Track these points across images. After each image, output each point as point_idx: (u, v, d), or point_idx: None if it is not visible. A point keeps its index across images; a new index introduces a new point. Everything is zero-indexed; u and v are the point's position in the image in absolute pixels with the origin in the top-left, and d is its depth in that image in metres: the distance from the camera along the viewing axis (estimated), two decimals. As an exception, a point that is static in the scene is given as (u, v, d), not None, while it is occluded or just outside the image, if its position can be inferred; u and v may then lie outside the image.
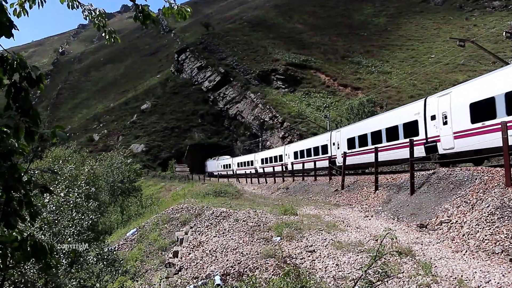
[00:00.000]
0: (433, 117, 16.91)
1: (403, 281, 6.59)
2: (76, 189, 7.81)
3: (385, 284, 6.00)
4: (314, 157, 30.48)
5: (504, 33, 29.42)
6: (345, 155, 21.43)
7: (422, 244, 8.86)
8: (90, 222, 6.77)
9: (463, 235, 8.74)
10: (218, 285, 7.33)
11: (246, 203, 16.15)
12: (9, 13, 2.48)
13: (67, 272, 5.91)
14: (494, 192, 9.51)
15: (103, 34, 3.73)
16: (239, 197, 19.99)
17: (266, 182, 34.06)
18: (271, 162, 43.39)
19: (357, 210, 14.50)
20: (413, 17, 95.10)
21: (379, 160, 17.48)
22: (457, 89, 16.14)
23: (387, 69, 71.44)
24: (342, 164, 21.08)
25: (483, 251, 7.80)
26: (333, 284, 6.77)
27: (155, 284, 8.70)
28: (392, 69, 70.79)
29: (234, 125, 77.50)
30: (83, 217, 6.74)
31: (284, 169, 37.06)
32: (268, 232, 10.25)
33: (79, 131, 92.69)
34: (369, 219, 12.49)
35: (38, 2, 3.31)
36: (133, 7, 3.45)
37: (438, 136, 16.46)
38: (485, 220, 8.67)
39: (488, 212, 8.83)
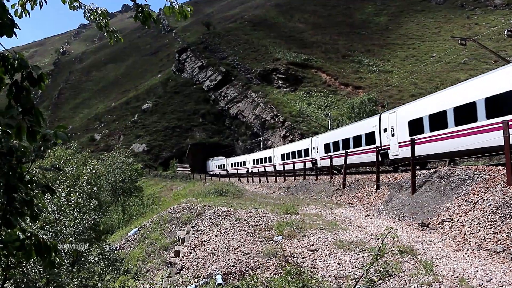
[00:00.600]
0: (385, 130, 21.04)
1: (405, 280, 6.59)
2: (78, 188, 7.81)
3: (386, 283, 6.01)
4: (298, 159, 34.52)
5: (505, 31, 29.36)
6: (330, 157, 25.16)
7: (423, 243, 8.85)
8: (92, 222, 6.77)
9: (465, 234, 8.73)
10: (220, 284, 7.33)
11: (247, 202, 16.17)
12: (11, 13, 2.48)
13: (69, 271, 5.92)
14: (496, 191, 9.50)
15: (105, 34, 3.74)
16: (240, 196, 20.01)
17: (267, 181, 34.08)
18: (261, 163, 46.52)
19: (359, 209, 14.50)
20: (414, 16, 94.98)
21: (348, 162, 20.85)
22: (401, 108, 20.55)
23: (388, 68, 71.36)
24: (321, 165, 28.82)
25: (485, 250, 7.79)
26: (335, 283, 6.78)
27: (156, 284, 8.72)
28: (393, 68, 70.71)
29: (235, 124, 77.50)
30: (84, 216, 6.73)
31: (274, 170, 38.56)
32: (269, 231, 10.25)
33: (80, 131, 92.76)
34: (371, 218, 12.48)
35: (39, 2, 3.32)
36: (134, 6, 3.45)
37: (388, 145, 20.50)
38: (487, 219, 8.66)
39: (489, 211, 8.83)
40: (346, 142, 25.48)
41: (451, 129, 15.73)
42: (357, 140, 24.21)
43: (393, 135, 20.19)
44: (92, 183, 15.75)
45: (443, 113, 16.40)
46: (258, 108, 69.37)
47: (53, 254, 2.60)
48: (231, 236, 10.16)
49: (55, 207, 6.59)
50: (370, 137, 22.64)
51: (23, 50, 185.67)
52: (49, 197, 6.45)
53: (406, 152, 17.56)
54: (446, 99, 16.54)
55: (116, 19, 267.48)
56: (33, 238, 2.48)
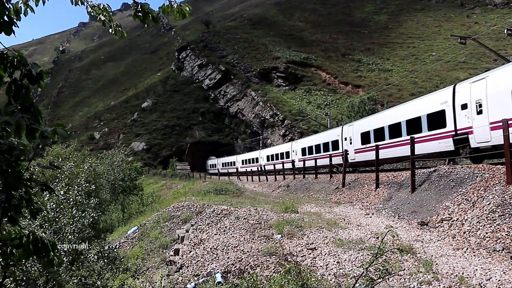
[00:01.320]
0: (345, 139, 26.02)
1: (404, 279, 6.59)
2: (76, 186, 7.80)
3: (386, 281, 6.01)
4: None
5: (505, 30, 29.36)
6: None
7: (423, 242, 8.86)
8: (91, 220, 6.76)
9: (464, 233, 8.73)
10: (219, 282, 7.33)
11: (247, 201, 16.17)
12: (10, 9, 2.47)
13: (68, 269, 5.91)
14: (495, 190, 9.50)
15: (110, 30, 3.72)
16: (240, 195, 20.01)
17: (267, 180, 34.08)
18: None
19: (358, 207, 14.50)
20: (414, 14, 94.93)
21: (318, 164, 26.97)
22: (357, 122, 25.85)
23: (388, 67, 71.33)
24: (301, 166, 31.44)
25: (484, 249, 7.80)
26: (334, 281, 6.78)
27: (156, 282, 8.71)
28: (393, 67, 70.69)
29: (234, 123, 77.48)
30: (83, 214, 6.73)
31: (259, 170, 40.11)
32: (269, 229, 10.25)
33: (80, 129, 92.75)
34: (370, 217, 12.48)
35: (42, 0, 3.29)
36: (133, 5, 3.44)
37: (347, 150, 24.48)
38: (486, 217, 8.66)
39: (489, 210, 8.83)
40: (317, 147, 30.86)
41: (387, 141, 20.27)
42: (325, 146, 29.65)
43: (350, 143, 25.07)
44: (91, 181, 15.74)
45: (382, 129, 21.07)
46: (257, 106, 69.34)
47: (52, 253, 2.59)
48: (231, 234, 10.16)
49: (54, 205, 6.58)
50: (335, 144, 27.84)
51: (22, 49, 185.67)
52: (48, 195, 6.45)
53: (360, 157, 23.56)
54: (385, 118, 21.18)
55: (115, 18, 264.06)
56: (31, 237, 2.47)
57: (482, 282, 6.25)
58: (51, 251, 2.58)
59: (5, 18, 2.40)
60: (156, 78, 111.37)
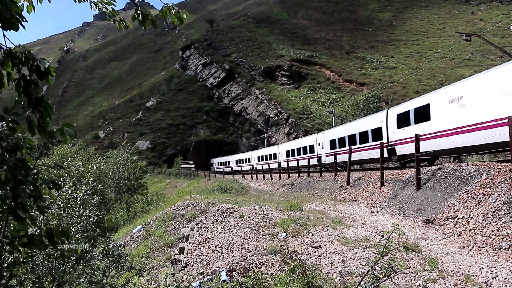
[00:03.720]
0: (319, 144, 32.26)
1: (410, 277, 6.57)
2: (84, 186, 7.83)
3: (391, 279, 5.99)
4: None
5: (511, 27, 29.15)
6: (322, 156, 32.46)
7: (428, 240, 8.83)
8: (96, 218, 6.79)
9: (470, 231, 8.70)
10: (224, 281, 7.34)
11: (252, 199, 16.16)
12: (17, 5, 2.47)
13: (74, 268, 5.94)
14: (501, 187, 9.45)
15: (115, 23, 3.73)
16: (245, 193, 20.00)
17: (271, 178, 34.09)
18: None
19: (363, 205, 14.47)
20: (418, 11, 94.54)
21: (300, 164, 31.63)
22: (328, 131, 32.48)
23: (392, 65, 71.08)
24: (285, 166, 37.60)
25: (490, 247, 7.76)
26: (339, 279, 6.77)
27: (161, 280, 8.74)
28: (398, 65, 70.42)
29: (239, 121, 77.52)
30: (90, 214, 6.76)
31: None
32: (273, 228, 10.25)
33: (84, 128, 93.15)
34: (375, 215, 12.45)
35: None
36: (134, 8, 3.45)
37: (320, 154, 31.61)
38: (492, 215, 8.62)
39: (495, 208, 8.78)
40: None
41: (347, 148, 24.14)
42: (302, 150, 36.44)
43: (323, 148, 31.31)
44: (97, 181, 15.80)
45: (343, 138, 27.17)
46: (262, 105, 69.33)
47: (67, 241, 2.62)
48: (236, 233, 10.17)
49: (61, 204, 6.61)
50: (310, 148, 34.29)
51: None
52: (56, 194, 6.48)
53: (329, 159, 28.44)
54: (346, 130, 27.35)
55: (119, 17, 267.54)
56: (43, 229, 2.49)
57: (488, 280, 6.22)
58: (68, 238, 2.62)
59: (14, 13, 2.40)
60: (160, 77, 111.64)
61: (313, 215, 11.74)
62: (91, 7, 3.58)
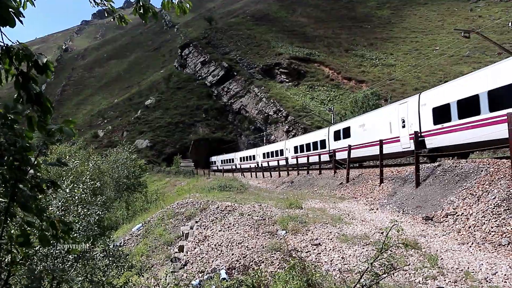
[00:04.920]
0: (286, 149, 40.42)
1: (409, 274, 6.58)
2: (81, 184, 7.81)
3: (391, 276, 6.00)
4: (311, 152, 35.93)
5: (510, 23, 29.22)
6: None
7: (427, 237, 8.84)
8: (96, 217, 6.78)
9: (469, 227, 8.71)
10: (224, 278, 7.34)
11: (251, 197, 16.15)
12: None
13: (74, 267, 5.94)
14: (500, 184, 9.46)
15: (115, 20, 3.72)
16: (244, 191, 19.99)
17: (271, 176, 34.10)
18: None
19: (362, 203, 14.47)
20: (417, 9, 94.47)
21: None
22: (291, 139, 42.44)
23: (391, 62, 71.06)
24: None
25: (490, 243, 7.77)
26: (339, 277, 6.77)
27: (161, 279, 8.74)
28: (396, 62, 70.40)
29: (238, 119, 77.50)
30: (89, 212, 6.74)
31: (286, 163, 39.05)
32: (273, 225, 10.25)
33: (83, 127, 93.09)
34: (374, 212, 12.47)
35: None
36: (133, 4, 3.43)
37: (287, 157, 39.11)
38: (491, 212, 8.63)
39: (494, 204, 8.79)
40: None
41: (304, 153, 33.42)
42: (276, 152, 43.95)
43: (289, 151, 39.26)
44: (96, 179, 15.78)
45: (308, 144, 34.21)
46: (261, 103, 69.29)
47: (71, 234, 2.63)
48: (235, 231, 10.16)
49: (60, 203, 6.60)
50: (280, 152, 42.57)
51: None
52: (54, 194, 6.47)
53: (294, 161, 33.49)
54: (308, 138, 35.66)
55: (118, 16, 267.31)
56: (45, 223, 2.49)
57: (488, 277, 6.23)
58: (71, 231, 2.62)
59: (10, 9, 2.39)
60: (159, 75, 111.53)
61: (312, 212, 11.74)
62: (90, 3, 3.56)
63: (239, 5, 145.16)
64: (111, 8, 3.53)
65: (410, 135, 18.06)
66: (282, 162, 37.60)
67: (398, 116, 19.59)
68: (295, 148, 37.90)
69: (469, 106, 14.70)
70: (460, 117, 15.12)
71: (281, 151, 42.48)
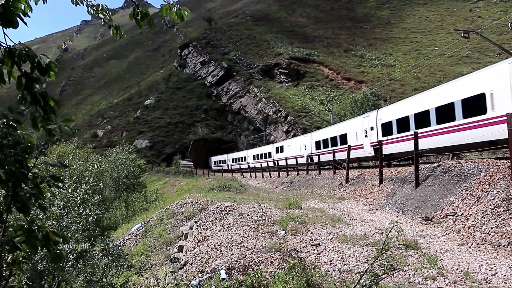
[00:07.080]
0: (277, 149, 43.65)
1: (409, 274, 6.58)
2: (84, 185, 7.80)
3: (391, 277, 6.00)
4: (239, 163, 42.82)
5: (509, 24, 29.23)
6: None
7: (427, 237, 8.84)
8: (95, 217, 6.77)
9: (469, 228, 8.71)
10: (223, 279, 7.34)
11: (251, 197, 16.15)
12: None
13: (74, 267, 5.94)
14: (500, 185, 9.46)
15: (110, 30, 3.73)
16: (243, 191, 20.00)
17: (270, 176, 34.11)
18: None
19: (362, 203, 14.48)
20: (416, 9, 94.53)
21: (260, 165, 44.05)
22: (276, 143, 47.72)
23: (391, 62, 71.09)
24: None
25: (489, 244, 7.77)
26: (339, 277, 6.77)
27: (160, 279, 8.73)
28: (396, 62, 70.44)
29: (237, 119, 77.48)
30: (90, 213, 6.74)
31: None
32: (272, 226, 10.25)
33: (83, 127, 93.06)
34: (374, 213, 12.47)
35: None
36: (132, 5, 3.44)
37: (276, 158, 41.94)
38: (491, 212, 8.63)
39: (493, 205, 8.80)
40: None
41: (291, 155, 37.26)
42: (264, 154, 47.70)
43: (277, 152, 42.98)
44: (96, 179, 15.76)
45: (283, 146, 40.66)
46: (260, 103, 69.27)
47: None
48: (235, 231, 10.16)
49: (61, 203, 6.59)
50: (269, 154, 45.50)
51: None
52: (57, 192, 6.47)
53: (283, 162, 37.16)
54: (292, 141, 39.88)
55: (117, 15, 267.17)
56: (41, 230, 2.47)
57: (487, 277, 6.24)
58: (65, 241, 2.60)
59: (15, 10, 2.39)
60: (158, 75, 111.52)
61: (312, 213, 11.74)
62: (88, 11, 3.58)
63: (239, 5, 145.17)
64: (109, 18, 3.55)
65: (371, 143, 22.40)
66: (271, 164, 42.60)
67: (362, 127, 23.72)
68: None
69: (403, 124, 19.30)
70: (398, 132, 19.79)
71: (269, 153, 45.93)
